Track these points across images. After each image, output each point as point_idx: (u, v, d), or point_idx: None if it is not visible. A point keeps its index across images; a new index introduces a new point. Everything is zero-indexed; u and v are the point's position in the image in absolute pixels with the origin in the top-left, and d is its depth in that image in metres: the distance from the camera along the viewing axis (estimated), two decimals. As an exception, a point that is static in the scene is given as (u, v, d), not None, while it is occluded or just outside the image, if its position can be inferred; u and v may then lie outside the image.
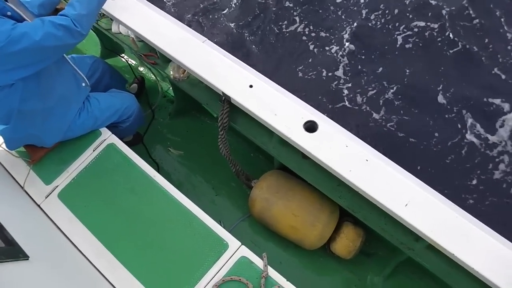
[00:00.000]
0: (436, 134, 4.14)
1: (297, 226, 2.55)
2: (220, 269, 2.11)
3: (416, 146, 4.10)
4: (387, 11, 5.11)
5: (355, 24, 5.09)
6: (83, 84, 2.56)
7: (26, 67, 2.00)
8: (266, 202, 2.61)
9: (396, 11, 5.08)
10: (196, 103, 2.86)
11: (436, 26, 4.83)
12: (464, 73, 4.46)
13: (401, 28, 4.94)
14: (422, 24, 4.88)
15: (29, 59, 1.97)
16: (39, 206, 2.44)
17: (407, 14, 5.02)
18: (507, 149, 3.97)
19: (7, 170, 2.58)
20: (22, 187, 2.50)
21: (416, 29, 4.86)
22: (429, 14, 4.94)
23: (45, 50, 1.98)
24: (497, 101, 4.22)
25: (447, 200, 1.94)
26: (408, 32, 4.87)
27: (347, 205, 2.27)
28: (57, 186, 2.48)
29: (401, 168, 2.04)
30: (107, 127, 2.71)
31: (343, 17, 5.20)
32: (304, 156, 2.30)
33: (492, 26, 4.73)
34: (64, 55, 2.45)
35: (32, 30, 1.90)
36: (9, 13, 1.99)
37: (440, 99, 4.34)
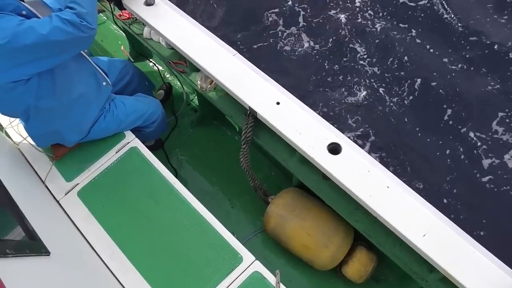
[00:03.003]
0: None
1: (310, 246, 2.55)
2: (233, 282, 2.12)
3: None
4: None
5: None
6: (104, 83, 2.56)
7: (37, 62, 1.99)
8: (281, 219, 2.62)
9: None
10: (219, 114, 2.88)
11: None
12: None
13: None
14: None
15: (39, 53, 1.96)
16: (58, 202, 2.47)
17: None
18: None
19: (30, 164, 2.62)
20: (43, 182, 2.53)
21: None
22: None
23: (54, 44, 1.96)
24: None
25: (464, 234, 1.93)
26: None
27: (363, 229, 2.27)
28: (77, 184, 2.51)
29: (422, 198, 2.03)
30: (130, 130, 2.74)
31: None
32: (324, 177, 2.30)
33: None
34: (83, 53, 2.45)
35: (39, 25, 1.90)
36: (24, 12, 2.00)
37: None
